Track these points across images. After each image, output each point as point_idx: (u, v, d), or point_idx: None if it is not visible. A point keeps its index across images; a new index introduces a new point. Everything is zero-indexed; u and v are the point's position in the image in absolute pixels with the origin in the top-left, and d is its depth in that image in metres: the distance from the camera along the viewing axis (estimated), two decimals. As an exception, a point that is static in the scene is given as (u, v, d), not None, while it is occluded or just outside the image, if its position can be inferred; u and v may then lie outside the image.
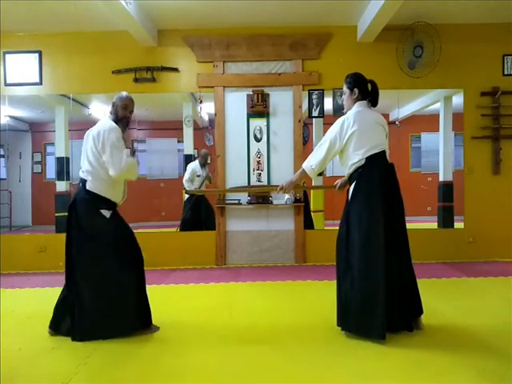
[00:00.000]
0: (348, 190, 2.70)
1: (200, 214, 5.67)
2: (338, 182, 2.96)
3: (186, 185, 5.68)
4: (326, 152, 2.64)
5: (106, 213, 2.68)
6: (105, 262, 2.63)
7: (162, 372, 2.17)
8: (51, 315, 2.70)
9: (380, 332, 2.41)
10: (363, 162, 2.56)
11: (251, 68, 5.08)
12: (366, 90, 2.69)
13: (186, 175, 5.70)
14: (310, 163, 2.71)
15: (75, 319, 2.59)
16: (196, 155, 5.90)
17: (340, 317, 2.62)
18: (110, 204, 2.71)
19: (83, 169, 2.70)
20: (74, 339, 2.58)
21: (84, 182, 2.67)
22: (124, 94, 2.85)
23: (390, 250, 2.46)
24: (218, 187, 5.12)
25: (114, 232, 2.69)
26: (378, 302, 2.41)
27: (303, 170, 2.76)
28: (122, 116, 2.78)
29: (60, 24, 4.85)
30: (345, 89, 2.74)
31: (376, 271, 2.43)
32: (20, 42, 5.08)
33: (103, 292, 2.61)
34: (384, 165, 2.60)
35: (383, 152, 2.61)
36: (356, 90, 2.67)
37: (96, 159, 2.64)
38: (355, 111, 2.64)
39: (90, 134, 2.71)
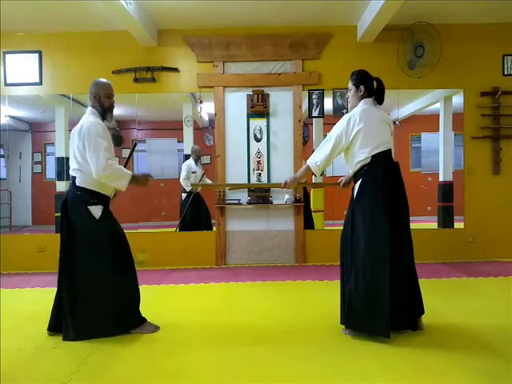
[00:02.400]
0: (353, 187, 2.69)
1: (200, 213, 5.66)
2: (342, 179, 2.95)
3: (183, 183, 5.69)
4: (332, 149, 2.63)
5: (97, 210, 2.63)
6: (93, 263, 2.61)
7: (163, 372, 2.17)
8: (47, 329, 2.71)
9: (384, 330, 2.41)
10: (369, 160, 2.56)
11: (251, 68, 5.08)
12: (371, 88, 2.68)
13: (183, 173, 5.71)
14: (315, 160, 2.70)
15: (63, 319, 2.60)
16: (196, 155, 5.93)
17: (344, 315, 2.62)
18: (100, 198, 2.68)
19: (72, 167, 2.68)
20: (63, 339, 2.60)
21: (74, 178, 2.66)
22: (102, 80, 2.75)
23: (394, 249, 2.46)
24: (218, 187, 5.12)
25: (102, 233, 2.65)
26: (383, 301, 2.41)
27: (308, 166, 2.74)
28: (109, 105, 2.72)
29: (60, 24, 4.85)
30: (350, 86, 2.72)
31: (380, 270, 2.43)
32: (20, 42, 5.08)
33: (89, 292, 2.59)
34: (389, 163, 2.60)
35: (389, 150, 2.60)
36: (362, 87, 2.66)
37: (82, 155, 2.60)
38: (361, 109, 2.62)
39: (76, 131, 2.66)
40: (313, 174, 2.76)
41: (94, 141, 2.55)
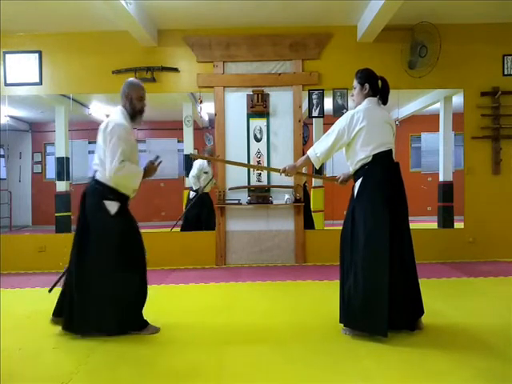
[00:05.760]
0: (353, 186, 2.69)
1: (201, 213, 5.65)
2: (341, 175, 2.95)
3: (192, 181, 5.69)
4: (333, 142, 2.64)
5: (113, 206, 2.62)
6: (101, 259, 2.60)
7: (162, 372, 2.17)
8: (51, 314, 2.71)
9: (382, 330, 2.42)
10: (370, 159, 2.56)
11: (251, 68, 5.07)
12: (376, 87, 2.69)
13: (193, 171, 5.70)
14: (316, 151, 2.71)
15: (64, 308, 2.62)
16: (196, 155, 5.92)
17: (343, 314, 2.62)
18: (118, 195, 2.65)
19: (94, 161, 2.68)
20: (64, 328, 2.62)
21: (95, 172, 2.67)
22: (135, 82, 2.75)
23: (393, 249, 2.47)
24: (218, 187, 5.12)
25: (114, 230, 2.64)
26: (381, 301, 2.41)
27: (308, 156, 2.75)
28: (140, 108, 2.72)
29: (60, 24, 4.84)
30: (355, 83, 2.73)
31: (379, 270, 2.44)
32: (20, 42, 5.08)
33: (95, 288, 2.59)
34: (390, 164, 2.61)
35: (390, 151, 2.61)
36: (367, 86, 2.67)
37: (103, 152, 2.61)
38: (365, 107, 2.63)
39: (101, 127, 2.67)
40: (313, 165, 2.77)
41: (112, 142, 2.56)
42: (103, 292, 2.59)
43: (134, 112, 2.71)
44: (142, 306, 2.74)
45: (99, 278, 2.59)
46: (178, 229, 5.60)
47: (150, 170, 2.74)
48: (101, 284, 2.59)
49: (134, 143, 2.76)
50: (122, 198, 2.69)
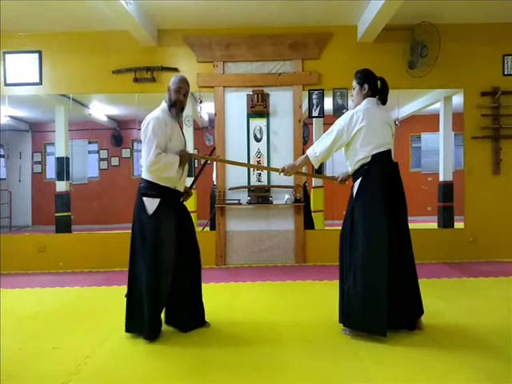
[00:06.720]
0: (352, 186, 2.70)
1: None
2: (340, 175, 2.94)
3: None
4: (332, 142, 2.64)
5: (153, 203, 2.58)
6: (133, 260, 2.64)
7: (162, 372, 2.18)
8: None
9: (381, 329, 2.42)
10: (369, 159, 2.57)
11: (251, 68, 5.08)
12: (375, 87, 2.70)
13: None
14: (315, 151, 2.71)
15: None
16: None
17: (342, 313, 2.63)
18: (160, 189, 2.61)
19: (142, 159, 2.68)
20: None
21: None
22: (178, 75, 2.78)
23: (392, 249, 2.47)
24: (218, 187, 5.12)
25: (146, 234, 2.57)
26: (380, 300, 2.41)
27: (307, 156, 2.76)
28: (175, 100, 2.70)
29: (60, 24, 4.84)
30: (354, 84, 2.74)
31: (379, 269, 2.44)
32: (20, 42, 5.08)
33: (130, 288, 2.64)
34: (389, 164, 2.61)
35: (389, 151, 2.62)
36: (366, 86, 2.68)
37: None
38: (365, 107, 2.64)
39: None
40: (312, 166, 2.77)
41: (147, 137, 2.57)
42: (133, 293, 2.63)
43: (171, 103, 2.70)
44: (153, 314, 2.61)
45: (129, 278, 2.64)
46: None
47: (183, 156, 2.67)
48: (129, 284, 2.64)
49: (174, 132, 2.69)
50: (165, 191, 2.63)
